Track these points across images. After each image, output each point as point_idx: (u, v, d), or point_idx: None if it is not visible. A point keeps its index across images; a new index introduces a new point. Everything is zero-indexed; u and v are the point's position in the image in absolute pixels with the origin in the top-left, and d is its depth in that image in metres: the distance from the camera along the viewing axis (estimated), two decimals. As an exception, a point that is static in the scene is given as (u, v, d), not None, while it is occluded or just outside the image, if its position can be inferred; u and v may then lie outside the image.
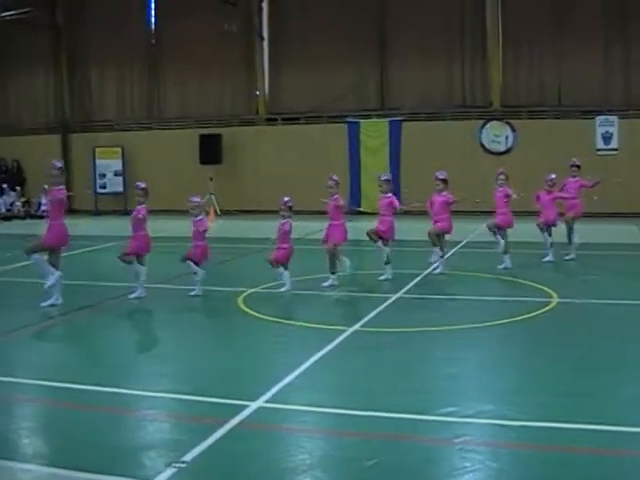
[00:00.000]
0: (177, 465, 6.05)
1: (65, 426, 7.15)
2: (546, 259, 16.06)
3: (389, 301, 12.58)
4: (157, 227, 16.93)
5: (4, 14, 27.96)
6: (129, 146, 30.65)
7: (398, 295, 13.05)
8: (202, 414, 7.38)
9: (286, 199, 13.49)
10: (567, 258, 16.28)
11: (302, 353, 9.35)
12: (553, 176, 16.30)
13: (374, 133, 28.31)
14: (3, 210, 28.94)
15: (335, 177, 14.13)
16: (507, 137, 27.01)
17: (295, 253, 13.62)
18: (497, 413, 7.17)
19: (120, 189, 30.41)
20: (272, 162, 28.69)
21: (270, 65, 29.92)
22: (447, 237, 15.43)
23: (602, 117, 25.85)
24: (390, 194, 14.49)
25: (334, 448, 6.61)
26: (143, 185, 13.53)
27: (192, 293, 13.10)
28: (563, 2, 26.10)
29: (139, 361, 9.43)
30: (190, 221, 13.49)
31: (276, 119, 29.94)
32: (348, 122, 28.42)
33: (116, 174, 30.71)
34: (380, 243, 14.35)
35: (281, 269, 13.32)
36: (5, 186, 30.10)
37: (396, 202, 14.41)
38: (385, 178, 14.73)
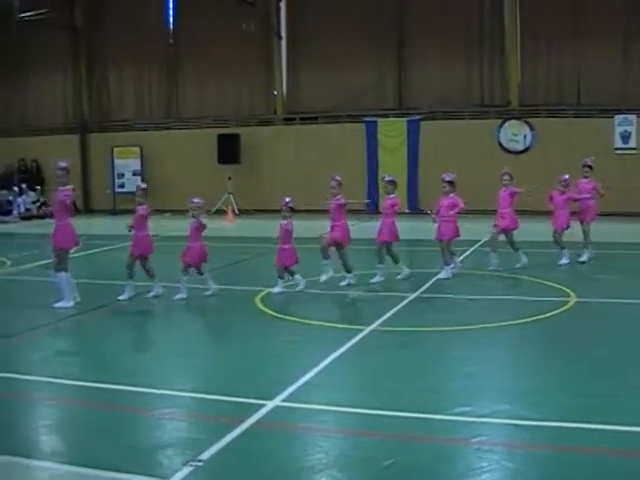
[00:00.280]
0: (194, 464, 6.07)
1: (83, 424, 7.19)
2: (562, 261, 15.82)
3: (406, 300, 12.57)
4: (175, 226, 16.97)
5: (23, 15, 28.09)
6: (147, 146, 30.74)
7: (415, 295, 13.04)
8: (219, 413, 7.41)
9: (287, 199, 13.49)
10: (580, 260, 15.95)
11: (319, 352, 9.36)
12: (566, 176, 16.03)
13: (392, 132, 28.28)
14: (22, 210, 29.06)
15: (338, 177, 14.00)
16: (525, 136, 26.92)
17: (312, 253, 13.62)
18: (513, 413, 7.16)
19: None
20: (290, 162, 28.72)
21: (288, 65, 29.94)
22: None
23: (621, 116, 25.71)
24: (393, 195, 14.35)
25: (351, 447, 6.62)
26: (144, 186, 13.53)
27: (207, 293, 13.10)
28: (582, 0, 26.00)
29: (156, 360, 9.46)
30: (189, 221, 13.36)
31: (294, 119, 29.96)
32: (366, 121, 28.40)
33: (134, 174, 30.79)
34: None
35: (297, 276, 13.36)
36: (24, 186, 30.23)
37: (398, 204, 14.31)
38: (389, 179, 14.54)
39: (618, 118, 25.76)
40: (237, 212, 28.06)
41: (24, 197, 29.91)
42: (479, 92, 27.84)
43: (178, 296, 12.89)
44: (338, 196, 13.86)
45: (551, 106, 26.82)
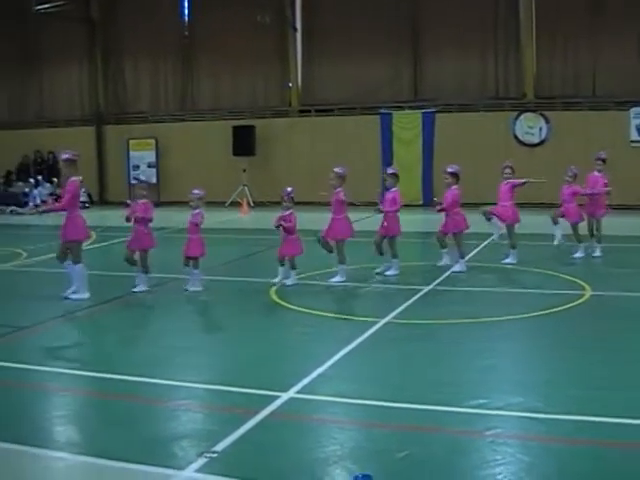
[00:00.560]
0: (208, 455, 6.08)
1: (98, 415, 7.22)
2: (576, 255, 15.70)
3: (421, 293, 12.56)
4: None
5: (39, 7, 28.17)
6: (163, 138, 30.81)
7: (430, 287, 13.03)
8: (233, 404, 7.42)
9: (289, 189, 13.42)
10: (594, 255, 15.81)
11: (333, 344, 9.37)
12: (573, 168, 15.80)
13: (407, 125, 28.23)
14: (38, 201, 29.14)
15: (337, 170, 13.73)
16: (541, 129, 26.84)
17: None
18: (528, 405, 7.14)
19: (153, 180, 30.54)
20: (305, 153, 28.71)
21: (303, 56, 29.92)
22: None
23: (637, 108, 25.59)
24: (395, 189, 14.18)
25: (365, 439, 6.62)
26: (144, 178, 13.45)
27: (192, 288, 12.88)
28: (598, -8, 25.89)
29: (171, 351, 9.48)
30: (189, 213, 13.30)
31: (309, 110, 29.94)
32: (381, 114, 28.36)
33: (150, 165, 30.89)
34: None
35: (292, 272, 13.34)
36: (40, 178, 30.33)
37: (399, 198, 14.07)
38: (391, 172, 14.43)
39: (634, 110, 25.64)
40: (252, 204, 28.09)
41: (40, 189, 30.00)
42: (494, 84, 27.76)
43: (192, 288, 12.88)
44: (338, 189, 13.63)
45: (567, 98, 26.71)
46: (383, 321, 10.57)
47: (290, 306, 11.72)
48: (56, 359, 9.30)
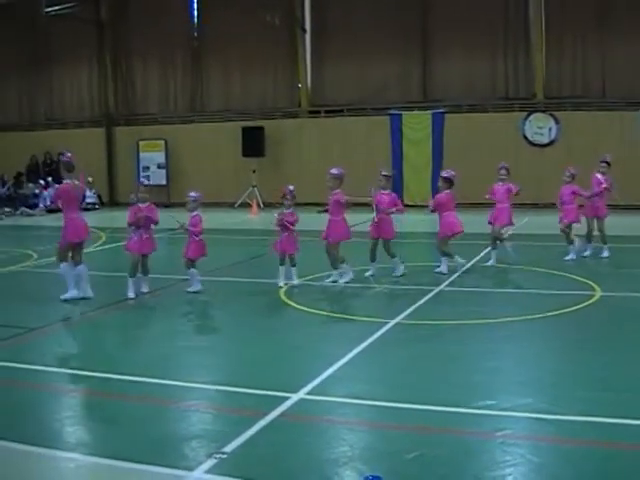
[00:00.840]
0: (218, 456, 6.09)
1: (108, 416, 7.22)
2: (568, 257, 15.46)
3: (431, 294, 12.55)
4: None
5: (49, 9, 28.26)
6: (172, 139, 30.88)
7: (440, 288, 13.02)
8: (243, 405, 7.43)
9: (291, 187, 13.37)
10: (602, 256, 15.73)
11: (343, 345, 9.36)
12: (571, 168, 15.72)
13: (417, 125, 28.23)
14: (48, 203, 29.23)
15: (334, 171, 13.51)
16: (550, 129, 26.81)
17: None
18: (537, 406, 7.13)
19: (163, 182, 30.64)
20: (314, 154, 28.73)
21: (312, 58, 29.96)
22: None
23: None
24: (387, 191, 14.06)
25: (375, 440, 6.62)
26: (147, 182, 13.43)
27: (191, 289, 12.88)
28: (607, -8, 25.84)
29: (181, 352, 9.49)
30: (187, 215, 13.26)
31: (319, 111, 29.97)
32: (391, 114, 28.35)
33: (159, 167, 30.98)
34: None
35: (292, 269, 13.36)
36: (50, 179, 30.41)
37: (385, 202, 13.90)
38: (385, 173, 14.28)
39: (643, 110, 25.59)
40: (261, 205, 28.11)
41: (50, 190, 30.07)
42: (504, 85, 27.76)
43: (192, 289, 12.85)
44: (336, 191, 13.47)
45: (576, 99, 26.69)
46: (392, 322, 10.57)
47: (299, 307, 11.73)
48: (65, 360, 9.33)
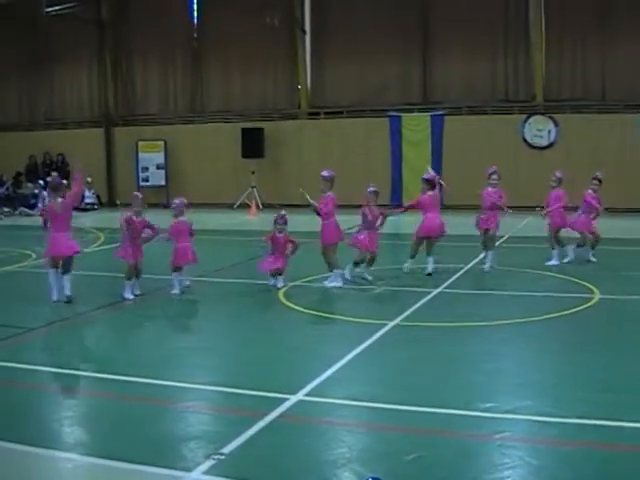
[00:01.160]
0: (216, 457, 6.09)
1: (106, 416, 7.22)
2: (550, 262, 15.20)
3: (430, 296, 12.55)
4: (199, 220, 16.95)
5: (49, 9, 28.26)
6: (171, 140, 30.85)
7: (439, 290, 13.02)
8: (242, 407, 7.42)
9: (283, 212, 13.38)
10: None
11: (342, 347, 9.36)
12: (557, 172, 15.49)
13: (416, 127, 28.21)
14: (47, 203, 29.14)
15: (325, 173, 13.42)
16: (550, 131, 26.79)
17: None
18: (537, 409, 7.12)
19: (162, 182, 30.62)
20: (314, 156, 28.66)
21: (312, 59, 29.93)
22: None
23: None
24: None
25: (373, 442, 6.62)
26: (141, 195, 13.43)
27: (174, 291, 12.88)
28: (607, -6, 25.83)
29: (179, 353, 9.48)
30: (172, 221, 13.25)
31: (318, 113, 29.95)
32: (390, 116, 28.35)
33: (158, 167, 30.94)
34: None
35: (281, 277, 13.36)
36: (49, 179, 30.31)
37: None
38: (372, 189, 13.94)
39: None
40: (260, 206, 28.09)
41: (49, 190, 30.00)
42: (504, 87, 27.74)
43: (174, 291, 12.87)
44: (328, 193, 13.43)
45: (576, 101, 26.67)
46: (391, 324, 10.56)
47: (298, 308, 11.72)
48: (64, 360, 9.29)
